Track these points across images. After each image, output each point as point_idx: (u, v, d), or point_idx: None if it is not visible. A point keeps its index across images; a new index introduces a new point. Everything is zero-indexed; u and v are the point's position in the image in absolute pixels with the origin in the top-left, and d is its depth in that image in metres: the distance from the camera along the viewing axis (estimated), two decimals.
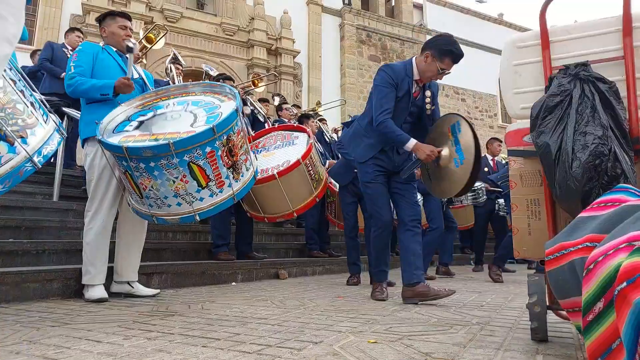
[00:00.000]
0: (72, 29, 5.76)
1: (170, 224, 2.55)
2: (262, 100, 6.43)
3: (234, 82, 4.14)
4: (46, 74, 5.19)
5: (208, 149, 2.30)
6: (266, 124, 5.70)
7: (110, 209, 2.62)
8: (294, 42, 14.10)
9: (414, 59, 2.73)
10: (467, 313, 2.18)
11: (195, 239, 4.34)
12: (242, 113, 2.57)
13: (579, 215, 1.24)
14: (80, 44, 2.87)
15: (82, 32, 5.78)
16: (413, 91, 2.70)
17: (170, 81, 5.02)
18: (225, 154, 2.39)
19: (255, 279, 3.92)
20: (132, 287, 2.71)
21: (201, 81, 3.01)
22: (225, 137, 2.37)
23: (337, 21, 15.58)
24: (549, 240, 1.60)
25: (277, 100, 6.61)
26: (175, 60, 5.34)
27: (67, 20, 11.56)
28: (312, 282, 3.85)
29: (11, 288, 2.37)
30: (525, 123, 1.65)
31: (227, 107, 2.52)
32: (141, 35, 5.46)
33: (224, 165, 2.40)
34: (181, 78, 5.01)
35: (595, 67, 1.53)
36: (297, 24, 14.33)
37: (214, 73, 5.82)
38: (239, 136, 2.52)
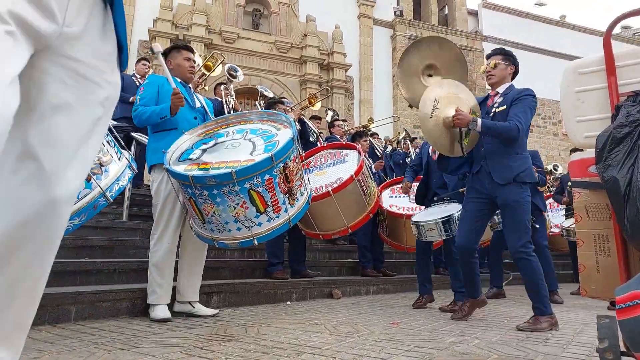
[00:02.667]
0: (139, 60, 6.27)
1: (230, 247, 2.66)
2: (314, 118, 6.52)
3: (283, 105, 4.24)
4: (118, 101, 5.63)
5: (267, 177, 2.38)
6: (318, 142, 5.78)
7: (174, 232, 2.78)
8: (345, 56, 14.24)
9: None
10: (530, 348, 2.07)
11: (252, 257, 4.46)
12: (298, 141, 2.64)
13: None
14: (148, 75, 3.07)
15: (148, 61, 6.24)
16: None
17: (222, 102, 5.26)
18: (282, 180, 2.47)
19: (309, 297, 3.95)
20: (193, 307, 2.84)
21: (258, 109, 3.12)
22: (282, 165, 2.44)
23: (389, 32, 15.54)
24: (620, 279, 1.49)
25: (329, 116, 6.69)
26: (228, 80, 5.58)
27: (135, 47, 12.47)
28: (366, 303, 3.82)
29: (87, 306, 2.57)
30: (591, 152, 1.56)
31: (283, 135, 2.60)
32: (200, 63, 5.80)
33: (281, 192, 2.48)
34: (230, 99, 5.23)
35: None
36: (348, 38, 14.47)
37: (268, 94, 6.01)
38: (295, 163, 2.59)
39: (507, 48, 3.12)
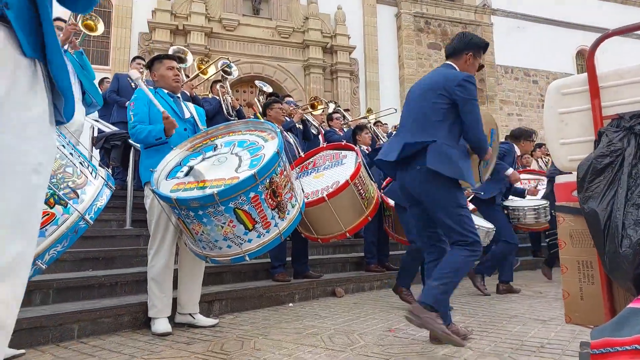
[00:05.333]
0: (134, 58, 6.23)
1: (222, 264, 2.68)
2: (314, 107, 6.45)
3: (279, 104, 4.19)
4: (115, 105, 5.65)
5: (252, 194, 2.37)
6: (319, 136, 5.74)
7: (171, 247, 2.81)
8: (349, 37, 13.98)
9: (453, 66, 2.55)
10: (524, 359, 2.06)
11: (255, 259, 4.49)
12: (283, 153, 2.60)
13: (629, 306, 1.12)
14: (135, 90, 3.05)
15: (143, 60, 6.19)
16: None
17: (220, 101, 5.24)
18: (269, 196, 2.45)
19: (312, 297, 3.99)
20: (194, 319, 2.89)
21: (246, 119, 3.09)
22: (267, 181, 2.43)
23: (393, 11, 15.17)
24: (603, 308, 1.47)
25: (331, 108, 6.61)
26: (223, 77, 5.56)
27: (136, 39, 12.42)
28: (368, 302, 3.85)
29: (89, 324, 2.63)
30: (575, 176, 1.51)
31: (269, 148, 2.58)
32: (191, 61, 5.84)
33: (269, 207, 2.47)
34: (227, 97, 5.23)
35: None
36: (351, 19, 14.18)
37: (267, 89, 5.95)
38: (282, 176, 2.56)
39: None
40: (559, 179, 1.59)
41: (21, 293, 0.94)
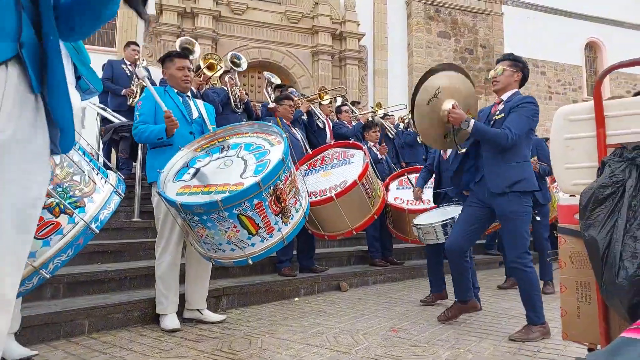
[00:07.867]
0: (128, 44, 6.04)
1: (226, 265, 2.74)
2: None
3: (290, 100, 4.22)
4: (109, 93, 5.64)
5: (255, 201, 2.40)
6: (326, 128, 5.76)
7: (177, 246, 2.88)
8: (358, 24, 13.81)
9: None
10: None
11: None
12: (288, 159, 2.62)
13: (622, 335, 1.17)
14: (145, 88, 3.06)
15: (137, 45, 6.09)
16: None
17: (228, 93, 5.28)
18: (273, 202, 2.49)
19: (317, 292, 4.09)
20: (202, 314, 2.99)
21: (253, 122, 3.12)
22: (272, 188, 2.45)
23: None
24: (599, 327, 1.53)
25: (339, 101, 6.62)
26: (232, 69, 5.58)
27: (142, 23, 12.34)
28: (372, 297, 3.93)
29: (99, 319, 2.73)
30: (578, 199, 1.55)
31: (275, 153, 2.60)
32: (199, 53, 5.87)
33: (272, 213, 2.50)
34: (236, 89, 5.28)
35: None
36: (361, 6, 13.98)
37: (275, 80, 5.96)
38: (287, 182, 2.59)
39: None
40: (562, 201, 1.63)
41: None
